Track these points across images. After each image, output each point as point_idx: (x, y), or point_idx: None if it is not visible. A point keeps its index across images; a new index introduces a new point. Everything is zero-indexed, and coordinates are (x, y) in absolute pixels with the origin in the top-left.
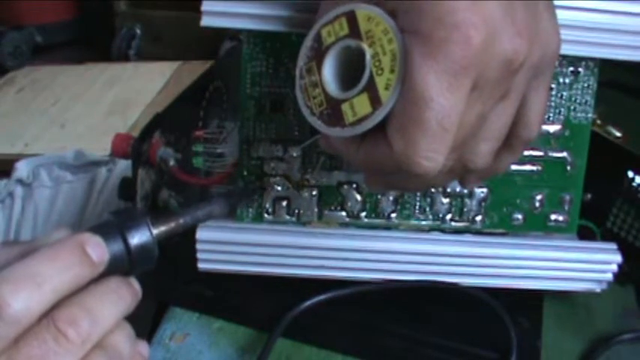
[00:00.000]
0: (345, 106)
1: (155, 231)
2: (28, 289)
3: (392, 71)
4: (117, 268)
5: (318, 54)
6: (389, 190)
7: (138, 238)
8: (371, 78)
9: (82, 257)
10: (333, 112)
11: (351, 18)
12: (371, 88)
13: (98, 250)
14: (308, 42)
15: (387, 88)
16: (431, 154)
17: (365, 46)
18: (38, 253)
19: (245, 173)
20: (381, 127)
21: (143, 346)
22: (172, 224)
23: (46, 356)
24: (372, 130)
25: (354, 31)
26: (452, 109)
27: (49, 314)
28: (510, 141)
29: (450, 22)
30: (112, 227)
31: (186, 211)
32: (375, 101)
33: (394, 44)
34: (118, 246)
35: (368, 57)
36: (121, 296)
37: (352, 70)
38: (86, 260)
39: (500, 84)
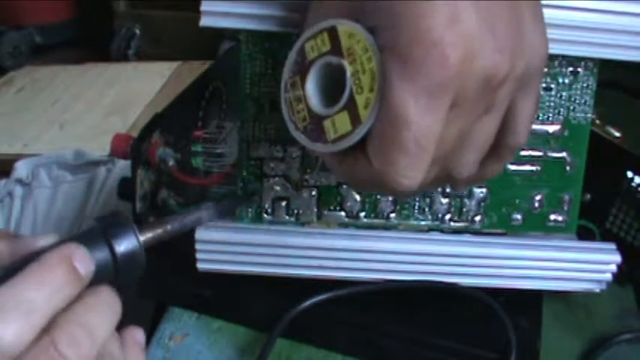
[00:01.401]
0: (327, 123)
1: (142, 238)
2: (19, 318)
3: (371, 90)
4: (103, 276)
5: (302, 68)
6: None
7: (124, 245)
8: (351, 96)
9: (70, 274)
10: (315, 127)
11: (333, 34)
12: (351, 107)
13: (84, 263)
14: (292, 56)
15: (366, 107)
16: (410, 172)
17: (346, 63)
18: (26, 276)
19: (244, 173)
20: (363, 143)
21: (138, 334)
22: (160, 230)
23: None
24: (353, 146)
25: (336, 47)
26: (430, 128)
27: (46, 334)
28: (497, 149)
29: (427, 41)
30: (98, 235)
31: (174, 217)
32: (355, 120)
33: (373, 63)
34: (103, 254)
35: (348, 75)
36: (113, 309)
37: (335, 85)
38: (74, 277)
39: (480, 100)
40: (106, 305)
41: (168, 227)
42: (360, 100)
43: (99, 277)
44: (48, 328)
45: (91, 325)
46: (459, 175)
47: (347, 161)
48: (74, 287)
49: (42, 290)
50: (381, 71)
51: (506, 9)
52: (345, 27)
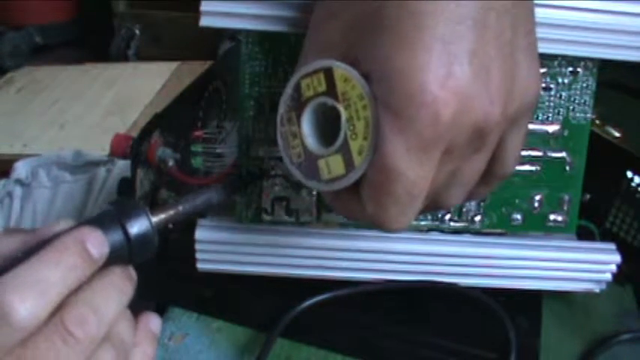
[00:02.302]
0: (321, 162)
1: (154, 219)
2: (35, 296)
3: (365, 138)
4: (117, 258)
5: (298, 105)
6: None
7: (137, 227)
8: (345, 141)
9: (84, 256)
10: (310, 165)
11: (329, 75)
12: (345, 151)
13: (98, 245)
14: (289, 90)
15: (360, 154)
16: (401, 218)
17: (341, 108)
18: (41, 256)
19: (244, 173)
20: (357, 183)
21: (153, 322)
22: (171, 212)
23: (56, 358)
24: (347, 186)
25: (332, 89)
26: (421, 179)
27: (56, 314)
28: (485, 177)
29: (419, 100)
30: (112, 218)
31: (184, 199)
32: (349, 164)
33: (368, 111)
34: (117, 236)
35: (343, 120)
36: (123, 290)
37: (330, 125)
38: (88, 258)
39: (471, 145)
40: (115, 286)
41: (180, 208)
42: (354, 145)
43: (113, 259)
44: (59, 307)
45: (98, 305)
46: (448, 205)
47: (341, 198)
48: (87, 268)
49: (56, 270)
50: (375, 121)
51: (501, 54)
52: (341, 71)
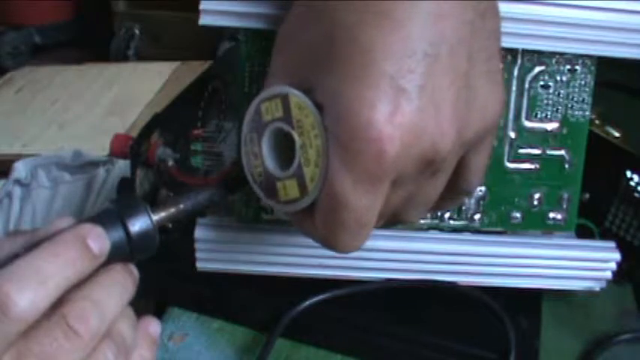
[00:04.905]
0: (279, 184)
1: (155, 217)
2: (33, 287)
3: (317, 166)
4: (118, 255)
5: (258, 127)
6: None
7: (138, 225)
8: (299, 166)
9: (84, 251)
10: (269, 185)
11: (286, 102)
12: (299, 176)
13: (99, 242)
14: (250, 112)
15: (312, 180)
16: (350, 242)
17: (295, 135)
18: (41, 249)
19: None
20: (312, 206)
21: (153, 326)
22: (172, 210)
23: (58, 353)
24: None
25: (287, 115)
26: (368, 209)
27: (57, 309)
28: (450, 193)
29: (364, 136)
30: (113, 215)
31: (186, 196)
32: (302, 189)
33: (319, 141)
34: (118, 234)
35: (297, 146)
36: (125, 286)
37: (288, 148)
38: (88, 253)
39: (424, 173)
40: (117, 283)
41: (181, 206)
42: (307, 172)
43: (114, 256)
44: (61, 303)
45: (100, 301)
46: (409, 221)
47: (297, 218)
48: (87, 263)
49: (55, 262)
50: (325, 150)
51: (455, 86)
52: (296, 98)
